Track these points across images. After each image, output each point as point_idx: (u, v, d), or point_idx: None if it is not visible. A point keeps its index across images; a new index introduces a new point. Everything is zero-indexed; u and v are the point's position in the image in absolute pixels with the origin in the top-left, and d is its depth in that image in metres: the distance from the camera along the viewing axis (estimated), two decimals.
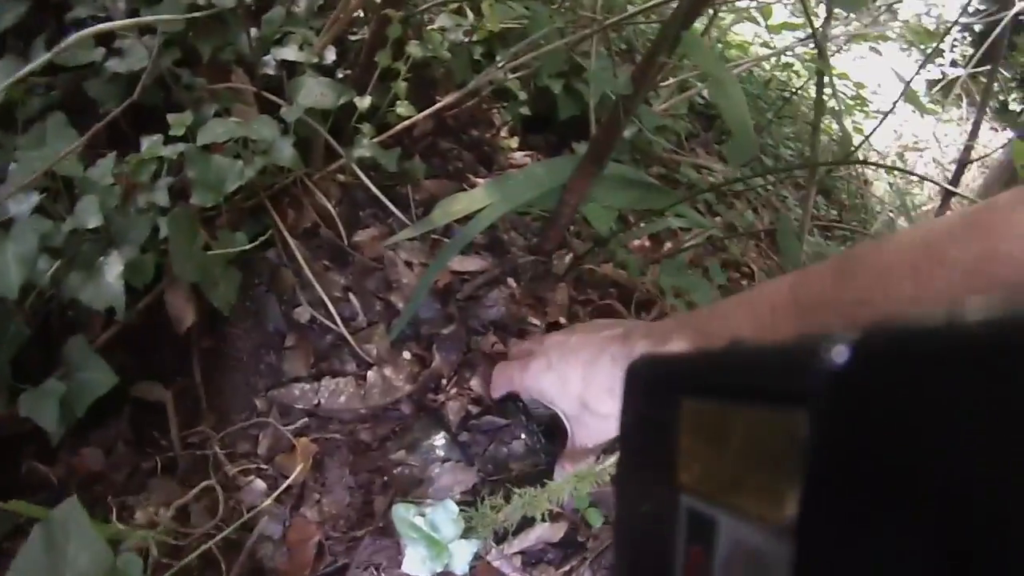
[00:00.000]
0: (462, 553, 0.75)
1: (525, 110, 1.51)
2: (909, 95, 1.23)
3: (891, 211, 2.71)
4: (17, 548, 0.60)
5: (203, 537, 0.75)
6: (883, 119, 1.32)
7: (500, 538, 0.83)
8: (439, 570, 0.73)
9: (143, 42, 1.07)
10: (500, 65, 1.33)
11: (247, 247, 0.90)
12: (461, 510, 0.78)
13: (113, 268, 0.80)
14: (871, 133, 1.37)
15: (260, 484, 0.84)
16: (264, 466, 0.86)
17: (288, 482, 0.83)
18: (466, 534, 0.77)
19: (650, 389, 0.30)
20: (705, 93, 2.19)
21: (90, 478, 0.89)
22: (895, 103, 1.32)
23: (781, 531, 0.19)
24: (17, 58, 1.00)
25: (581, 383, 0.68)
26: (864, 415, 0.17)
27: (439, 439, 0.92)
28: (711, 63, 0.99)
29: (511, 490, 0.81)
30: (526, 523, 0.83)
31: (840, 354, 0.18)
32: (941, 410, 0.16)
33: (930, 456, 0.16)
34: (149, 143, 0.93)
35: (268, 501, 0.81)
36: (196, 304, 0.92)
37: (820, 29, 1.00)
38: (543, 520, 0.81)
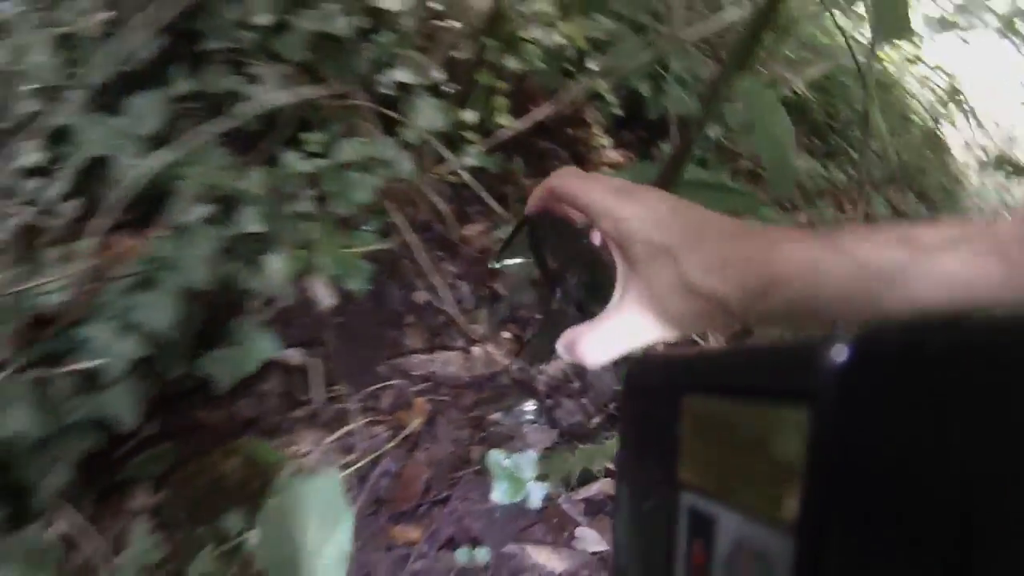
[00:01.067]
0: (536, 492, 0.98)
1: (616, 110, 1.66)
2: None
3: (983, 207, 2.65)
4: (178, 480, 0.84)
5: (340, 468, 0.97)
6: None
7: (570, 487, 1.02)
8: (517, 500, 0.95)
9: (274, 69, 1.29)
10: (593, 74, 1.47)
11: (377, 248, 1.10)
12: (540, 459, 0.98)
13: (274, 263, 1.01)
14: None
15: (384, 432, 1.06)
16: (387, 418, 1.08)
17: (406, 432, 1.04)
18: (541, 479, 0.97)
19: (651, 388, 0.31)
20: (796, 87, 2.25)
21: (246, 423, 1.12)
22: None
23: (782, 527, 0.19)
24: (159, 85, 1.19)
25: (683, 226, 0.43)
26: (865, 412, 0.17)
27: (529, 405, 1.11)
28: (764, 112, 1.09)
29: (576, 446, 1.01)
30: (590, 476, 1.02)
31: (840, 352, 0.18)
32: (941, 407, 0.16)
33: (931, 452, 0.16)
34: (292, 159, 1.14)
35: (390, 445, 1.03)
36: (334, 289, 1.13)
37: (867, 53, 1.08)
38: (603, 476, 1.00)
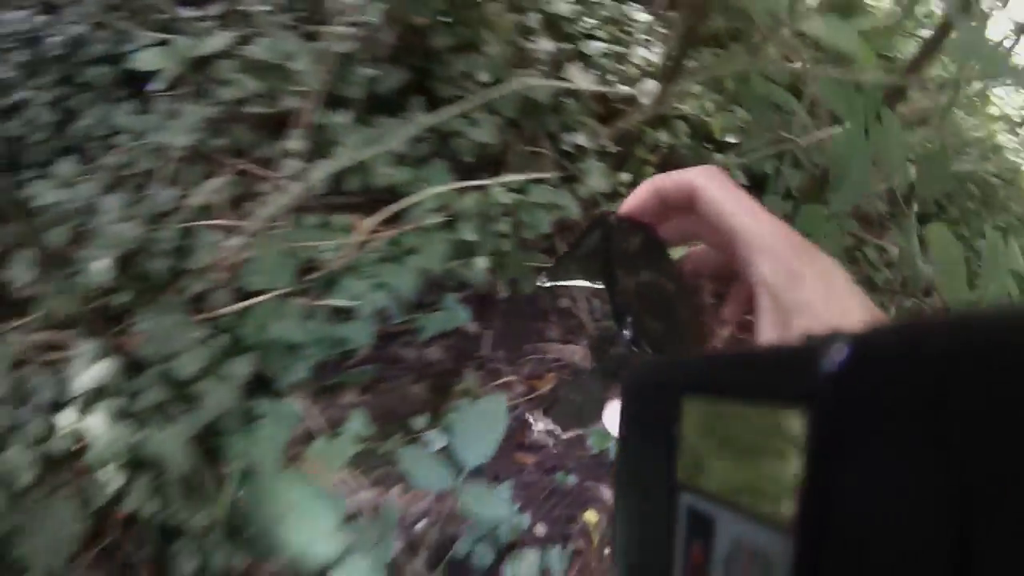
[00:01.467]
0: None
1: (742, 180, 2.10)
2: None
3: None
4: (378, 391, 1.39)
5: None
6: None
7: None
8: (603, 450, 1.44)
9: (491, 119, 1.81)
10: (726, 148, 1.93)
11: (542, 264, 1.61)
12: None
13: (479, 264, 1.54)
14: None
15: (522, 389, 1.58)
16: (526, 381, 1.59)
17: (537, 392, 1.55)
18: None
19: (651, 390, 0.31)
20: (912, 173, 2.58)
21: (429, 363, 1.66)
22: None
23: (781, 528, 0.19)
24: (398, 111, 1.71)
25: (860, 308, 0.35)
26: (863, 413, 0.17)
27: None
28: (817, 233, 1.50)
29: None
30: None
31: (840, 352, 0.18)
32: (941, 408, 0.16)
33: (930, 453, 0.16)
34: (497, 191, 1.66)
35: (525, 399, 1.54)
36: (508, 287, 1.66)
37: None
38: None
